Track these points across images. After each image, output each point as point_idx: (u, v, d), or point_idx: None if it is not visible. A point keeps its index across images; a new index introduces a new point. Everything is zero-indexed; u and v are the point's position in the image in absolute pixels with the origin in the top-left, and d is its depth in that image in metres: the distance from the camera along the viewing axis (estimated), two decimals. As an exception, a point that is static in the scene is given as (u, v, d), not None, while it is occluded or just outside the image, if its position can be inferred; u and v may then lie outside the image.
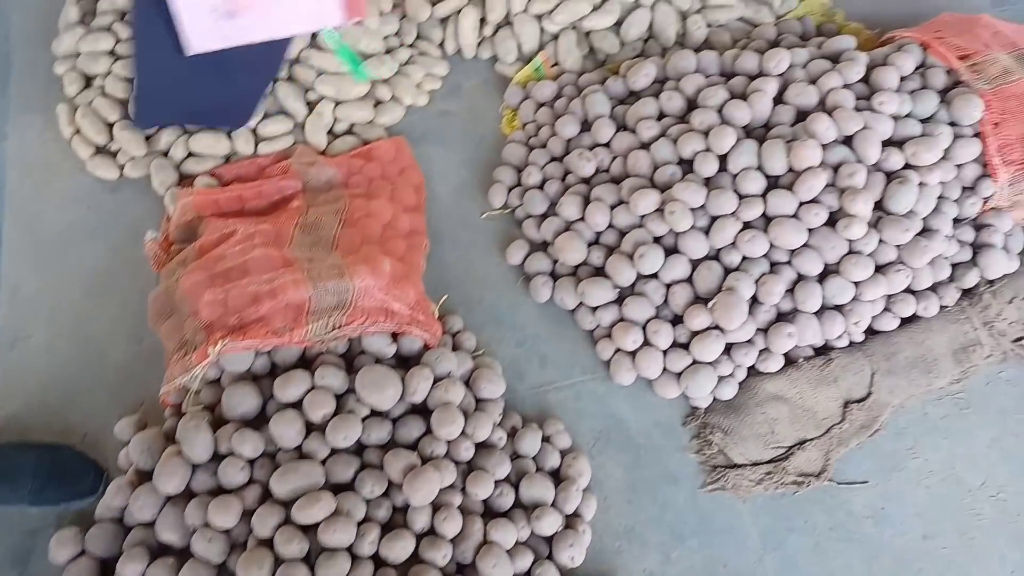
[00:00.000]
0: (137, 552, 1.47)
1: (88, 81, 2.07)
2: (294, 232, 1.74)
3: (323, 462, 1.51)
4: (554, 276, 1.86)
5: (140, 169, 1.96)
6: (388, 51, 2.15)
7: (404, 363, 1.67)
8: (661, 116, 1.91)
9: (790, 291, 1.69)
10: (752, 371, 1.72)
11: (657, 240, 1.77)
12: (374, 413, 1.57)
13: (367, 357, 1.63)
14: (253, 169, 1.97)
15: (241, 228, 1.73)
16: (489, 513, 1.55)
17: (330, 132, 2.06)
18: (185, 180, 1.96)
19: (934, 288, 1.77)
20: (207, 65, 1.80)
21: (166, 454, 1.53)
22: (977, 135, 1.79)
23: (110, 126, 1.98)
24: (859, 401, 1.70)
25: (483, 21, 2.21)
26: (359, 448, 1.55)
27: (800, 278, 1.70)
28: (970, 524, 1.62)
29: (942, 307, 1.77)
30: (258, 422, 1.57)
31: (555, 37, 2.18)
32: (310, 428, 1.54)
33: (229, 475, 1.48)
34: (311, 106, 2.05)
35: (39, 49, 2.14)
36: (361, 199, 1.89)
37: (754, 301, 1.68)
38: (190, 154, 1.97)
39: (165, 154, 1.98)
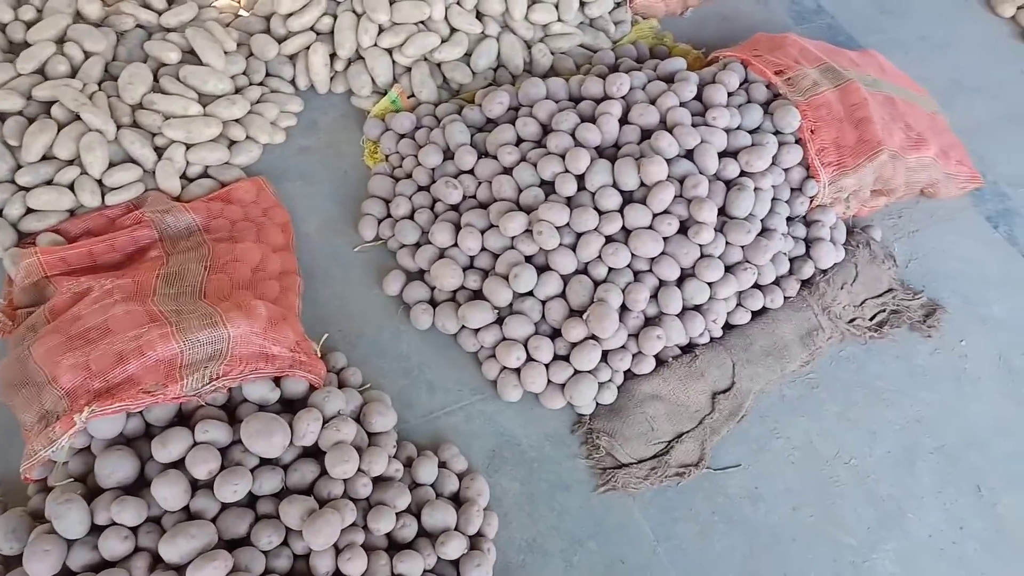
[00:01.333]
0: (7, 649, 1.35)
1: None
2: (156, 283, 1.67)
3: (214, 519, 1.45)
4: (433, 303, 1.89)
5: (-29, 231, 1.81)
6: (238, 90, 2.11)
7: (290, 406, 1.63)
8: (519, 141, 1.99)
9: (654, 297, 1.82)
10: (628, 375, 1.82)
11: (529, 259, 1.84)
12: (264, 462, 1.53)
13: (250, 405, 1.59)
14: (102, 221, 1.86)
15: (96, 285, 1.64)
16: (394, 546, 1.54)
17: (183, 176, 1.99)
18: (25, 239, 1.83)
19: (777, 282, 1.96)
20: None
21: (35, 535, 1.42)
22: (798, 141, 2.00)
23: (-69, 186, 1.81)
24: (725, 391, 1.84)
25: (333, 56, 2.22)
26: (251, 500, 1.51)
27: (661, 284, 1.83)
28: (830, 491, 1.80)
29: (786, 298, 1.96)
30: (137, 487, 1.49)
31: (408, 69, 2.22)
32: (196, 486, 1.48)
33: (111, 547, 1.39)
34: (160, 151, 1.97)
35: None
36: (225, 243, 1.83)
37: (623, 309, 1.79)
38: (29, 210, 1.84)
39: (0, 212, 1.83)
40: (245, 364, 1.55)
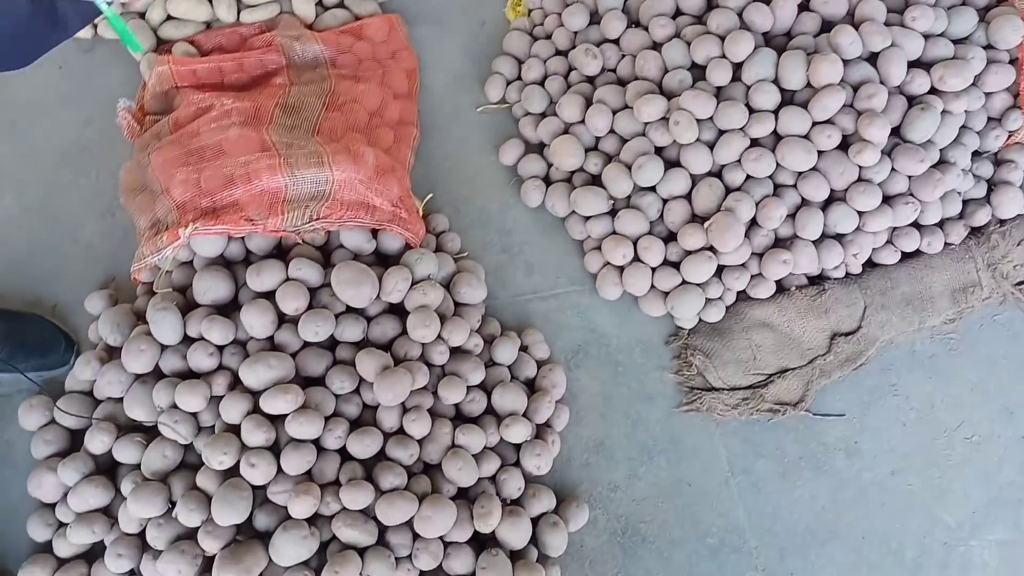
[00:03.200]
0: (105, 426, 1.47)
1: (60, -74, 1.90)
2: (274, 112, 1.64)
3: (294, 355, 1.48)
4: (547, 181, 1.77)
5: (116, 30, 1.83)
6: (389, -84, 1.98)
7: (383, 261, 1.61)
8: (677, 13, 1.77)
9: (791, 216, 1.62)
10: (742, 295, 1.67)
11: (659, 151, 1.67)
12: (349, 310, 1.53)
13: (345, 252, 1.58)
14: (235, 39, 1.84)
15: (218, 103, 1.64)
16: (460, 418, 1.53)
17: (319, 3, 1.92)
18: (163, 45, 1.84)
19: (941, 224, 1.69)
20: None
21: (135, 333, 1.51)
22: (1013, 62, 1.66)
23: (83, -21, 1.83)
24: (848, 334, 1.66)
25: None
26: (332, 344, 1.52)
27: (803, 203, 1.62)
28: (940, 463, 1.62)
29: (947, 244, 1.70)
30: (229, 309, 1.53)
31: (573, -86, 1.99)
32: (282, 319, 1.51)
33: (198, 360, 1.46)
34: (301, -27, 1.89)
35: None
36: (348, 81, 1.77)
37: (752, 224, 1.61)
38: (169, 17, 1.84)
39: (142, 16, 1.84)
40: (346, 210, 1.52)
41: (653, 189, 1.66)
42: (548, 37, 1.89)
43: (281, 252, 1.58)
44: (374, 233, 1.58)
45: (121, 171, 1.65)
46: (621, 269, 1.65)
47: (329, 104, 1.69)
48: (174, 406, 1.43)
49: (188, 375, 1.48)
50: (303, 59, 1.79)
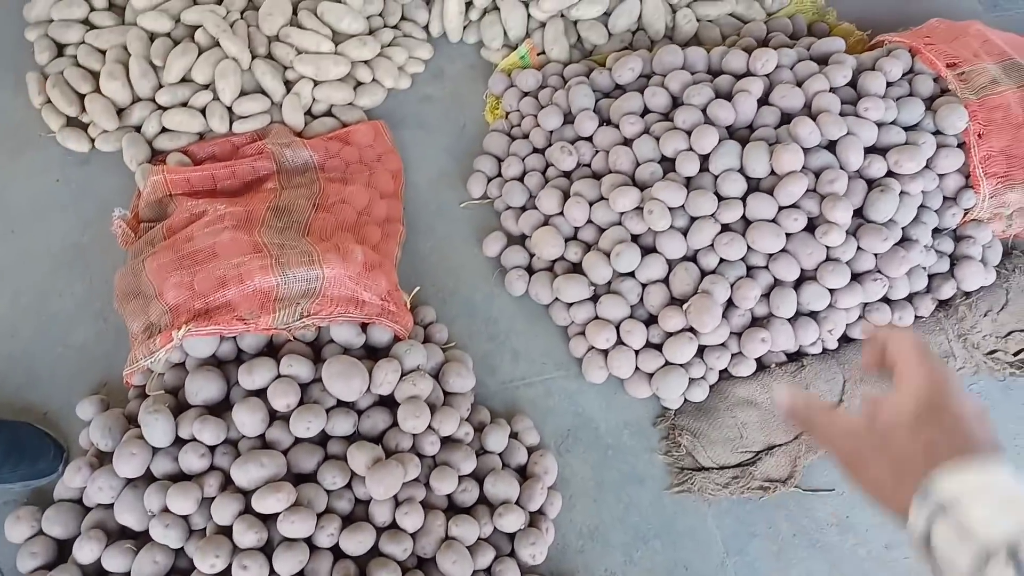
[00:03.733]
0: (94, 534, 1.45)
1: (60, 49, 2.02)
2: (265, 215, 1.71)
3: (285, 452, 1.49)
4: (530, 270, 1.84)
5: (112, 143, 1.92)
6: (371, 32, 2.11)
7: (373, 354, 1.64)
8: (645, 112, 1.88)
9: (765, 296, 1.68)
10: (724, 374, 1.71)
11: (635, 239, 1.75)
12: (340, 404, 1.55)
13: (335, 347, 1.61)
14: (227, 148, 1.92)
15: (211, 209, 1.70)
16: (452, 508, 1.53)
17: (308, 112, 2.02)
18: (157, 156, 1.92)
19: (910, 298, 1.76)
20: None
21: (126, 437, 1.51)
22: (961, 145, 1.77)
23: (81, 97, 1.93)
24: (829, 409, 1.69)
25: (469, 5, 2.17)
26: (323, 438, 1.53)
27: (776, 283, 1.69)
28: (932, 535, 1.63)
29: (917, 318, 1.77)
30: (221, 408, 1.55)
31: (542, 25, 2.14)
32: (274, 417, 1.52)
33: (189, 461, 1.46)
34: (289, 85, 2.00)
35: (11, 13, 2.08)
36: (336, 184, 1.85)
37: (729, 305, 1.67)
38: (163, 130, 1.92)
39: (138, 129, 1.93)
40: (336, 306, 1.56)
41: (632, 274, 1.72)
42: (525, 136, 1.99)
43: (272, 349, 1.61)
44: (363, 327, 1.62)
45: (115, 277, 1.69)
46: (605, 353, 1.70)
47: (319, 206, 1.76)
48: (165, 510, 1.42)
49: (180, 477, 1.48)
50: (293, 164, 1.87)
